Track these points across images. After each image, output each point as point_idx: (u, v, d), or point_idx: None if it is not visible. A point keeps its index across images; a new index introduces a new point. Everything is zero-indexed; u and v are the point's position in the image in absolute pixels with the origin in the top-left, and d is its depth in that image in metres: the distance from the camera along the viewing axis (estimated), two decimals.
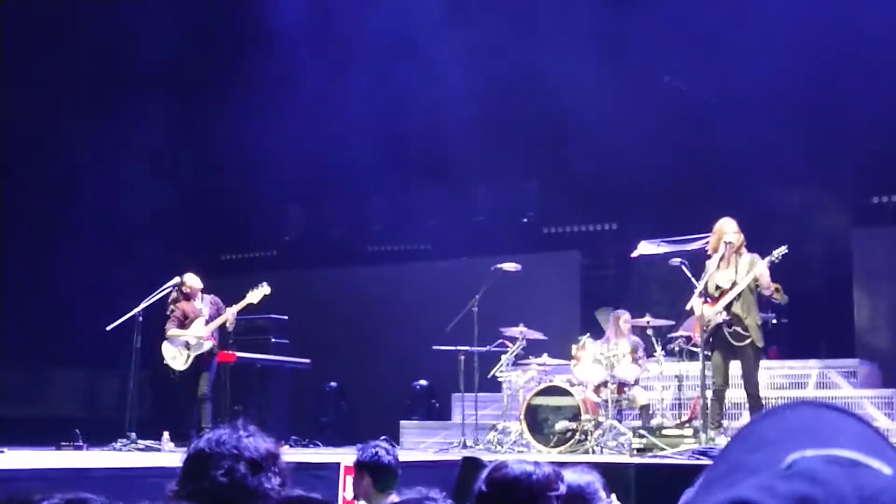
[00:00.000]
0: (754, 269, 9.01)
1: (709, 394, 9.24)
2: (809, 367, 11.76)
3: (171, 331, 10.99)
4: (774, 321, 11.82)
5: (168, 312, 11.11)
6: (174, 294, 11.12)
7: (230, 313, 11.00)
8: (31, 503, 2.10)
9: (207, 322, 10.98)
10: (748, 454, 0.77)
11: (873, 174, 13.15)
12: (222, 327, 11.09)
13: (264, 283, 11.05)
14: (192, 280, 11.16)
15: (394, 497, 5.14)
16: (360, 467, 5.43)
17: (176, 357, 10.95)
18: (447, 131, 14.84)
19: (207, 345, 10.92)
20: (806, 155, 13.21)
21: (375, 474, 5.36)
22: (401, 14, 14.78)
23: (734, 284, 9.08)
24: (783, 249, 9.08)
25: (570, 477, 3.55)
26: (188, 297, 11.10)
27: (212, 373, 10.97)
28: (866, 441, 0.77)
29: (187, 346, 10.92)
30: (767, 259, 9.05)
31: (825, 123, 12.89)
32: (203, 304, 11.12)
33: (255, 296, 11.04)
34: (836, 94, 12.70)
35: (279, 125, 15.58)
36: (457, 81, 14.43)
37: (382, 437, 7.68)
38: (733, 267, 9.15)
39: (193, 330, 10.96)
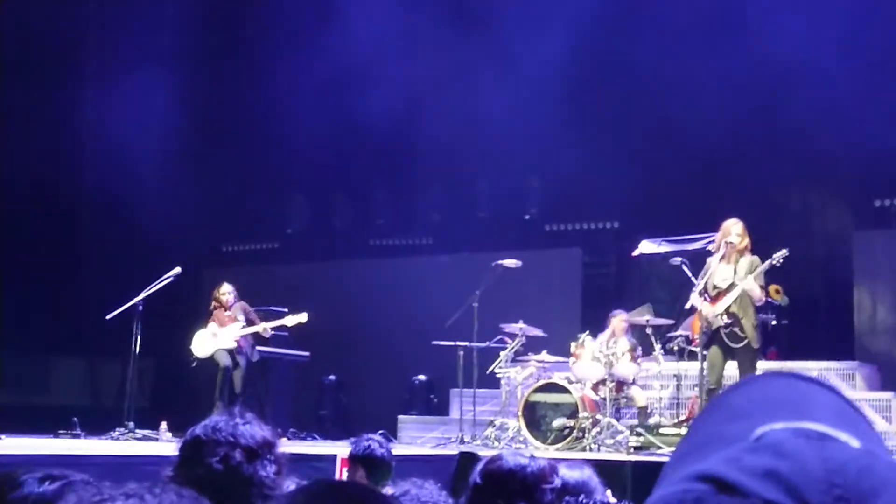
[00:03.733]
0: (753, 275, 9.00)
1: (702, 394, 9.25)
2: (808, 369, 11.74)
3: (211, 323, 11.60)
4: (774, 322, 11.84)
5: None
6: (213, 303, 11.73)
7: (263, 327, 11.53)
8: (14, 478, 2.12)
9: (243, 327, 11.50)
10: (720, 426, 0.77)
11: (875, 177, 13.15)
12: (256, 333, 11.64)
13: (305, 314, 11.47)
14: (222, 291, 11.66)
15: (389, 489, 5.15)
16: (354, 460, 5.45)
17: (203, 345, 11.47)
18: (451, 126, 14.85)
19: (232, 344, 11.39)
20: (808, 157, 13.21)
21: (369, 467, 5.38)
22: (405, 13, 14.79)
23: (732, 285, 9.08)
24: (783, 252, 9.06)
25: (568, 473, 3.56)
26: (222, 306, 11.61)
27: (238, 373, 11.43)
28: (838, 413, 0.77)
29: (214, 337, 11.46)
30: (767, 263, 9.04)
31: (827, 126, 12.88)
32: (236, 311, 11.58)
33: (291, 320, 11.49)
34: (838, 96, 12.69)
35: (282, 116, 15.58)
36: (459, 78, 14.44)
37: (380, 432, 7.71)
38: (733, 267, 9.14)
39: (227, 330, 11.47)
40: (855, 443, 0.73)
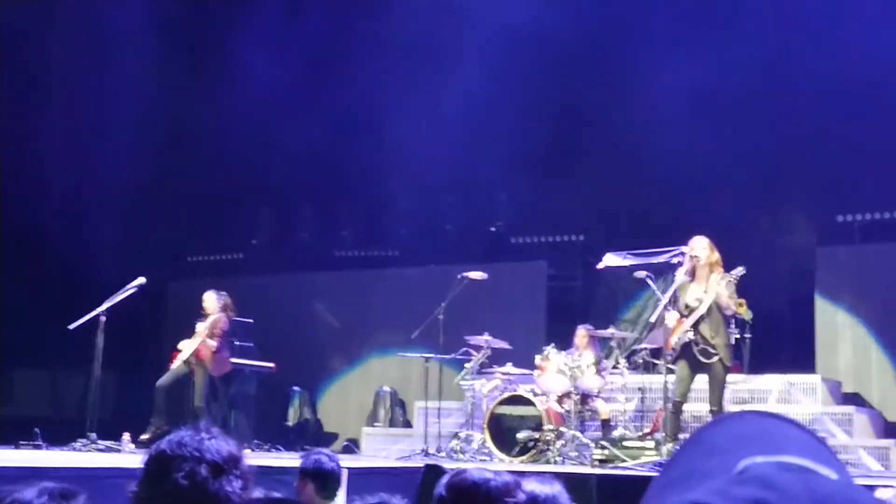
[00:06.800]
0: (717, 289, 9.07)
1: (668, 406, 9.31)
2: (771, 383, 11.85)
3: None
4: (738, 336, 11.91)
5: None
6: None
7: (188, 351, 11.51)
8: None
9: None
10: (700, 460, 0.80)
11: (838, 193, 13.29)
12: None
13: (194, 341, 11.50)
14: (204, 299, 11.64)
15: (339, 502, 5.23)
16: (304, 474, 5.48)
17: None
18: (419, 139, 14.86)
19: (184, 356, 11.39)
20: (772, 173, 13.34)
21: (318, 480, 5.41)
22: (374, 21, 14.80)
23: (702, 303, 9.14)
24: (740, 270, 9.15)
25: (539, 487, 3.57)
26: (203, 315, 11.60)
27: (196, 384, 11.41)
28: (812, 449, 0.81)
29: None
30: (724, 278, 9.11)
31: (791, 142, 13.02)
32: (204, 323, 11.53)
33: (184, 345, 11.50)
34: (802, 112, 12.83)
35: (249, 128, 15.54)
36: (426, 91, 14.46)
37: (344, 443, 7.70)
38: (704, 285, 9.20)
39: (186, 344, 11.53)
40: (834, 475, 0.76)
